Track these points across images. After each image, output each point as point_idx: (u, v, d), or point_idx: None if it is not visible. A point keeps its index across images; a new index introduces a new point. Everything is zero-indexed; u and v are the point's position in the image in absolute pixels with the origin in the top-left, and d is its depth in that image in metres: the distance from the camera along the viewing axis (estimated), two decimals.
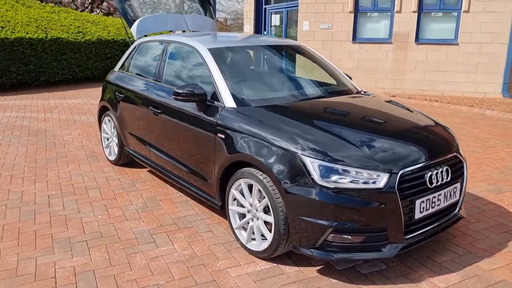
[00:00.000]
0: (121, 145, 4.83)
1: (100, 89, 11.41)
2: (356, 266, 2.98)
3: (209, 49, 3.68)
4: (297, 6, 11.76)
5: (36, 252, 3.12)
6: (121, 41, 13.18)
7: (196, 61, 3.85)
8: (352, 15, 11.05)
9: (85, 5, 21.03)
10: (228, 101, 3.30)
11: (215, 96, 3.42)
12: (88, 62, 12.33)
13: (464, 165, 3.16)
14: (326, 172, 2.64)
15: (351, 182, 2.62)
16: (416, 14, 10.57)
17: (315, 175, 2.64)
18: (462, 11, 10.27)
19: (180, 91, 3.35)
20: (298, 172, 2.70)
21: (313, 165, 2.66)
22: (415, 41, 10.74)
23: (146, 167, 4.98)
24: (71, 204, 3.96)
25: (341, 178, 2.63)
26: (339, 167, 2.65)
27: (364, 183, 2.62)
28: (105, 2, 23.14)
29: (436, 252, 3.16)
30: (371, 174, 2.64)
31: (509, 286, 2.77)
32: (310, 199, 2.63)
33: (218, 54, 3.67)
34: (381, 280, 2.82)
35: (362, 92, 4.03)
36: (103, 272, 2.88)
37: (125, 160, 4.98)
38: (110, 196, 4.17)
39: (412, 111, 3.61)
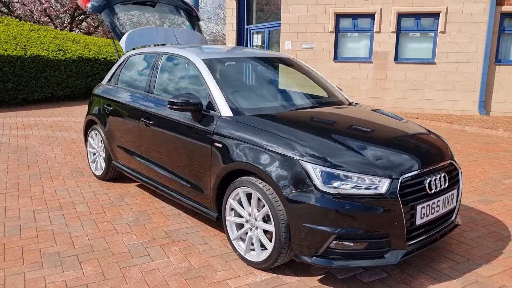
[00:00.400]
0: (108, 159, 4.72)
1: (81, 107, 11.27)
2: (357, 275, 2.94)
3: (203, 60, 3.67)
4: (279, 26, 11.96)
5: (24, 268, 2.97)
6: (102, 59, 13.07)
7: (190, 72, 3.82)
8: (333, 35, 11.29)
9: (64, 24, 20.85)
10: (224, 110, 3.28)
11: (210, 106, 3.39)
12: (68, 80, 12.15)
13: (459, 172, 3.20)
14: (328, 178, 2.63)
15: (353, 188, 2.61)
16: (395, 34, 10.89)
17: (317, 181, 2.62)
18: (438, 31, 10.64)
19: (175, 100, 3.30)
20: (299, 179, 2.67)
21: (315, 171, 2.64)
22: (395, 60, 11.02)
23: (135, 182, 4.87)
24: (58, 219, 3.81)
25: (343, 184, 2.62)
26: (340, 172, 2.64)
27: (366, 188, 2.61)
28: (84, 22, 23.03)
29: (434, 260, 3.16)
30: (372, 180, 2.64)
31: None
32: (313, 205, 2.60)
33: (212, 64, 3.66)
34: None
35: (354, 104, 4.07)
36: (97, 286, 2.76)
37: (113, 175, 4.86)
38: (98, 210, 4.04)
39: (403, 120, 3.66)
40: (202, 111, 3.38)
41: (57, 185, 4.77)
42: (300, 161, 2.70)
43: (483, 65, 10.47)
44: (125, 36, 4.81)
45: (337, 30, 11.31)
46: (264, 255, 2.90)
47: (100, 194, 4.50)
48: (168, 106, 3.37)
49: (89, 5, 4.95)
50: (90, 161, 5.14)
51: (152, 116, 3.88)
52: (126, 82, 4.60)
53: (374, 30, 10.99)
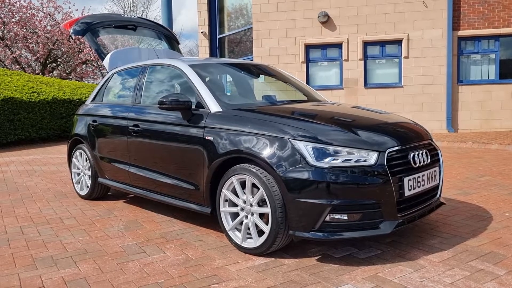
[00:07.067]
0: (94, 176, 4.70)
1: (57, 147, 11.14)
2: (353, 253, 3.01)
3: (189, 65, 3.83)
4: (252, 59, 12.37)
5: (18, 269, 2.90)
6: (77, 100, 13.09)
7: (176, 79, 3.97)
8: (304, 65, 11.76)
9: (36, 72, 20.84)
10: (213, 107, 3.40)
11: (199, 105, 3.51)
12: (42, 121, 12.04)
13: (439, 152, 3.38)
14: (320, 154, 2.75)
15: (344, 161, 2.74)
16: (362, 61, 11.45)
17: (309, 157, 2.74)
18: (402, 57, 11.26)
19: (164, 100, 3.41)
20: (292, 158, 2.78)
21: (306, 148, 2.77)
22: (364, 86, 11.52)
23: (121, 198, 4.84)
24: (47, 231, 3.75)
25: (334, 159, 2.75)
26: (331, 148, 2.77)
27: (356, 161, 2.75)
28: (55, 70, 23.08)
29: (423, 238, 3.27)
30: (361, 153, 2.78)
31: (497, 255, 2.90)
32: (307, 180, 2.70)
33: (198, 69, 3.82)
34: (379, 261, 2.86)
35: (333, 102, 4.28)
36: (96, 278, 2.72)
37: (99, 193, 4.83)
38: (87, 222, 4.00)
39: (384, 112, 3.87)
40: (191, 110, 3.49)
41: (41, 206, 4.69)
42: (291, 140, 2.83)
43: (447, 86, 11.07)
44: (108, 56, 4.94)
45: (307, 60, 11.80)
46: (262, 239, 2.94)
47: (87, 210, 4.45)
48: (158, 106, 3.47)
49: (71, 30, 5.09)
50: (74, 182, 5.10)
51: (141, 121, 3.95)
52: (113, 97, 4.69)
53: (343, 59, 11.53)
